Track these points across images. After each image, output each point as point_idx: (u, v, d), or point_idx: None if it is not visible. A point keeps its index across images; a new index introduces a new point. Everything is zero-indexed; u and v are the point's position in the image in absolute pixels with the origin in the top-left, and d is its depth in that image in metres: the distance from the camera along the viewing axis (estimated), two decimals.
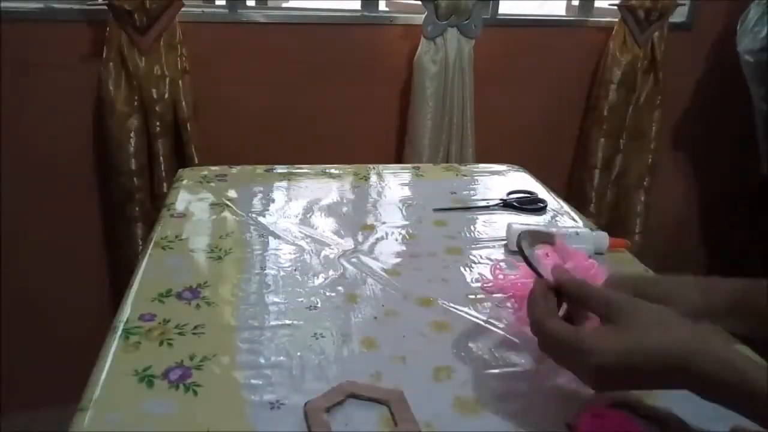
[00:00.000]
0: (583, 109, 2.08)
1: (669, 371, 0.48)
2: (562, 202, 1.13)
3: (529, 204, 1.10)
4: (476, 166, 1.32)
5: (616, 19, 1.94)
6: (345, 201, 1.09)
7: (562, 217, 1.08)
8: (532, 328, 0.57)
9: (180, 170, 1.19)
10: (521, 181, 1.23)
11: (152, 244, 0.89)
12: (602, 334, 0.52)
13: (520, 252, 0.65)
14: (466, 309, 0.77)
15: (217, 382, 0.62)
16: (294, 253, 0.89)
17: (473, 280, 0.85)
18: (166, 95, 1.61)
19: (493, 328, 0.74)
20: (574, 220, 1.07)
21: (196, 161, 1.67)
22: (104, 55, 1.55)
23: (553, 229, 0.64)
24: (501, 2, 1.89)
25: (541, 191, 1.17)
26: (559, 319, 0.56)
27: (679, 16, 2.04)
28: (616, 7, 1.91)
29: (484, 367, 0.66)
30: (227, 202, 1.04)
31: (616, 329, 0.51)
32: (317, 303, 0.77)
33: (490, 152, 1.78)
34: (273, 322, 0.72)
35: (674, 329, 0.50)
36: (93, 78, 1.60)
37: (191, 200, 1.05)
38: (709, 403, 0.49)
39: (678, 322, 0.51)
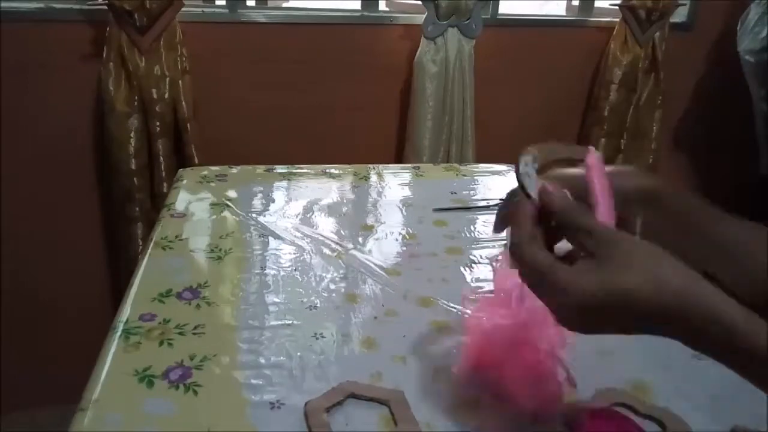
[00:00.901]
0: (583, 109, 2.07)
1: (656, 318, 0.44)
2: None
3: None
4: (476, 166, 1.32)
5: (617, 19, 1.94)
6: (345, 201, 1.09)
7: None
8: (511, 251, 0.50)
9: (180, 170, 1.19)
10: None
11: (152, 244, 0.89)
12: (582, 270, 0.45)
13: (516, 173, 0.53)
14: (466, 309, 0.77)
15: (218, 382, 0.62)
16: (294, 253, 0.89)
17: (473, 280, 0.85)
18: (166, 95, 1.61)
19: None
20: None
21: (196, 161, 1.67)
22: (104, 55, 1.55)
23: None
24: (501, 2, 1.89)
25: None
26: (539, 246, 0.49)
27: (679, 16, 2.04)
28: (616, 7, 1.91)
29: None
30: (227, 202, 1.04)
31: (599, 264, 0.45)
32: (317, 303, 0.77)
33: (490, 152, 1.78)
34: (273, 322, 0.72)
35: (666, 272, 0.44)
36: (93, 78, 1.60)
37: (191, 200, 1.05)
38: (710, 403, 0.49)
39: (668, 260, 0.45)
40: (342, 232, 0.96)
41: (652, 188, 0.54)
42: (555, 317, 0.48)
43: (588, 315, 0.45)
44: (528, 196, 0.51)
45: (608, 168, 0.55)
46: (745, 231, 0.55)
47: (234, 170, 1.19)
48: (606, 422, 0.57)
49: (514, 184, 0.53)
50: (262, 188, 1.11)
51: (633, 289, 0.43)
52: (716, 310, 0.42)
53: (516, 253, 0.49)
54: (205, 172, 1.17)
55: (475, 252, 0.93)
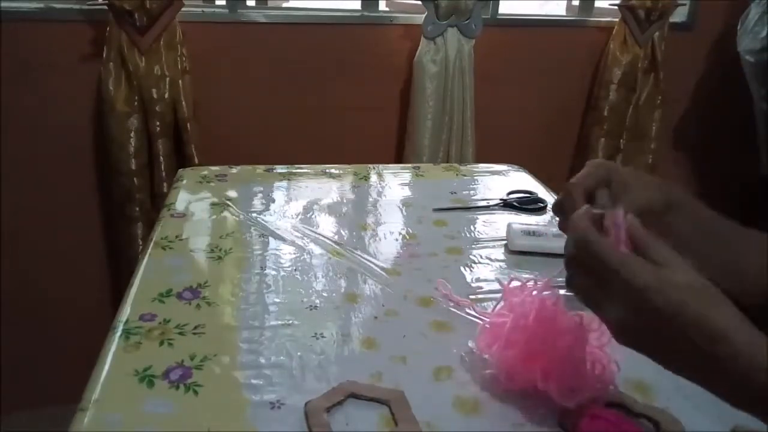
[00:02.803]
0: (583, 109, 2.07)
1: (706, 339, 0.44)
2: None
3: (529, 204, 1.10)
4: (476, 166, 1.32)
5: (617, 19, 1.94)
6: (345, 201, 1.09)
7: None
8: (578, 243, 0.51)
9: (180, 170, 1.19)
10: (521, 181, 1.23)
11: (152, 244, 0.89)
12: (656, 268, 0.47)
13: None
14: (466, 309, 0.77)
15: (218, 382, 0.62)
16: (294, 253, 0.89)
17: (473, 279, 0.85)
18: (166, 95, 1.61)
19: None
20: None
21: (196, 161, 1.67)
22: (104, 55, 1.55)
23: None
24: (501, 2, 1.89)
25: (541, 191, 1.17)
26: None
27: (679, 16, 2.04)
28: (616, 7, 1.91)
29: (484, 367, 0.66)
30: (227, 202, 1.04)
31: (669, 269, 0.47)
32: (317, 303, 0.77)
33: (490, 152, 1.78)
34: (273, 322, 0.72)
35: (722, 301, 0.46)
36: (93, 78, 1.60)
37: (191, 200, 1.05)
38: (710, 402, 0.48)
39: (723, 296, 0.47)
40: (342, 232, 0.97)
41: (675, 201, 0.59)
42: (615, 323, 0.49)
43: (647, 314, 0.46)
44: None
45: (633, 175, 0.61)
46: (757, 240, 0.59)
47: (234, 170, 1.19)
48: (603, 422, 0.57)
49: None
50: (262, 188, 1.12)
51: (701, 302, 0.45)
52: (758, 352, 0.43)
53: (588, 253, 0.50)
54: (205, 172, 1.17)
55: (475, 252, 0.93)
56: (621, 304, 0.48)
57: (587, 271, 0.50)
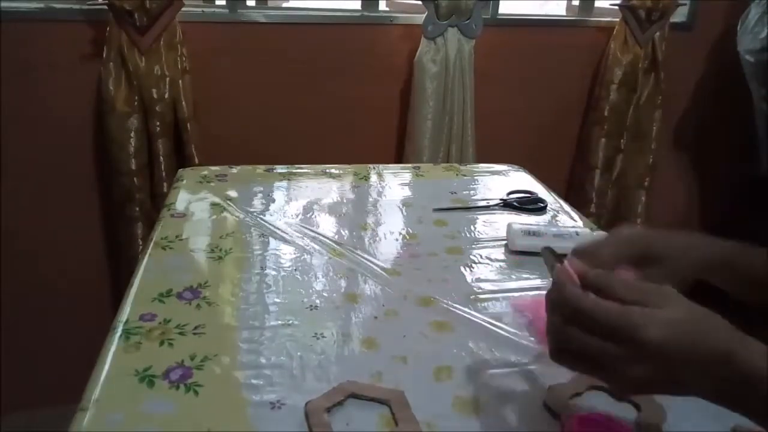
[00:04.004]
0: (583, 109, 2.07)
1: (715, 361, 0.45)
2: (562, 202, 1.13)
3: (529, 204, 1.10)
4: (476, 166, 1.32)
5: (617, 19, 1.94)
6: (345, 201, 1.09)
7: (562, 217, 1.08)
8: (568, 308, 0.48)
9: (180, 170, 1.19)
10: (521, 181, 1.23)
11: (152, 244, 0.89)
12: (652, 311, 0.46)
13: (547, 263, 0.58)
14: (466, 309, 0.77)
15: (218, 382, 0.62)
16: (294, 253, 0.89)
17: (473, 279, 0.85)
18: (166, 95, 1.61)
19: (493, 327, 0.73)
20: (574, 220, 1.07)
21: (196, 161, 1.67)
22: (104, 55, 1.55)
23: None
24: (501, 2, 1.89)
25: (541, 191, 1.17)
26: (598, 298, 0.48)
27: (679, 16, 2.04)
28: (616, 7, 1.91)
29: (485, 367, 0.66)
30: (227, 202, 1.04)
31: (662, 309, 0.46)
32: (318, 303, 0.77)
33: (490, 152, 1.78)
34: (273, 322, 0.72)
35: (719, 324, 0.47)
36: (93, 78, 1.60)
37: (191, 200, 1.05)
38: (709, 402, 0.48)
39: (716, 316, 0.47)
40: (342, 232, 0.97)
41: (726, 255, 0.59)
42: (619, 376, 0.47)
43: (658, 359, 0.45)
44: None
45: (681, 238, 0.60)
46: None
47: (234, 170, 1.19)
48: (594, 425, 0.57)
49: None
50: (262, 188, 1.12)
51: (702, 333, 0.45)
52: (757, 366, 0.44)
53: (580, 311, 0.48)
54: (205, 172, 1.17)
55: (475, 252, 0.93)
56: (628, 362, 0.46)
57: (585, 331, 0.48)
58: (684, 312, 0.47)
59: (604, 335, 0.46)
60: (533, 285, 0.84)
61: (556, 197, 1.15)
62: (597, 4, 2.03)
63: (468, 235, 0.98)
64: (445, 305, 0.78)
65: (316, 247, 0.91)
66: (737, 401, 0.46)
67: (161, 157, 1.64)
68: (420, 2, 1.74)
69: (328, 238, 0.94)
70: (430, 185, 1.20)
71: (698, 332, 0.46)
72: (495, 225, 1.02)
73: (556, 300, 0.50)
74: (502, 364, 0.67)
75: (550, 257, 0.58)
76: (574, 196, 2.08)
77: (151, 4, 1.51)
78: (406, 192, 1.15)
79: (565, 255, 0.56)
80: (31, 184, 1.68)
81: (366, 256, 0.89)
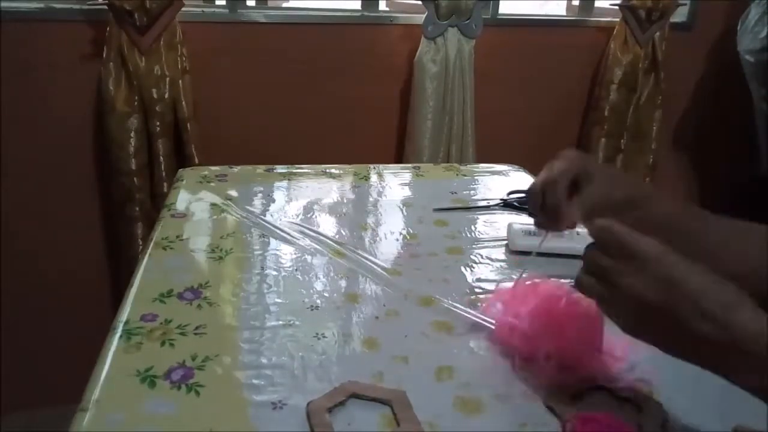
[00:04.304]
0: (583, 109, 2.08)
1: (713, 311, 0.46)
2: None
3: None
4: (476, 166, 1.32)
5: (617, 19, 1.94)
6: (345, 201, 1.09)
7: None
8: (602, 232, 0.53)
9: (180, 170, 1.19)
10: (521, 181, 1.23)
11: (152, 244, 0.89)
12: (687, 261, 0.50)
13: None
14: (467, 309, 0.77)
15: (219, 382, 0.62)
16: (295, 253, 0.89)
17: (474, 279, 0.85)
18: (166, 95, 1.61)
19: (494, 327, 0.73)
20: None
21: (196, 161, 1.67)
22: (104, 55, 1.55)
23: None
24: (501, 2, 1.89)
25: None
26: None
27: (679, 16, 2.04)
28: (616, 7, 1.91)
29: (486, 367, 0.66)
30: (228, 202, 1.03)
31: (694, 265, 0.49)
32: (318, 303, 0.77)
33: (490, 152, 1.78)
34: (274, 322, 0.72)
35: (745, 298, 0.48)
36: (93, 78, 1.60)
37: (191, 200, 1.05)
38: (712, 402, 0.48)
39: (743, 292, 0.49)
40: (342, 232, 0.96)
41: (638, 196, 0.62)
42: (631, 298, 0.50)
43: (667, 305, 0.48)
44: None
45: (599, 168, 0.66)
46: (724, 228, 0.61)
47: (234, 170, 1.19)
48: (596, 425, 0.57)
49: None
50: (262, 188, 1.11)
51: (708, 275, 0.48)
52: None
53: (604, 234, 0.53)
54: (205, 172, 1.17)
55: (475, 252, 0.93)
56: (641, 276, 0.49)
57: (611, 255, 0.52)
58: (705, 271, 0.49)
59: (626, 260, 0.51)
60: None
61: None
62: (597, 4, 2.03)
63: (468, 235, 0.98)
64: (445, 305, 0.78)
65: (317, 247, 0.91)
66: (724, 357, 0.47)
67: (161, 157, 1.64)
68: (420, 2, 1.74)
69: (328, 238, 0.94)
70: (430, 185, 1.19)
71: (704, 277, 0.48)
72: (495, 225, 1.02)
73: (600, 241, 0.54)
74: (503, 364, 0.67)
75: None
76: None
77: (151, 4, 1.51)
78: (407, 192, 1.15)
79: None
80: (31, 184, 1.68)
81: (366, 256, 0.89)
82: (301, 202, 1.06)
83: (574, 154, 0.67)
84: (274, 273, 0.83)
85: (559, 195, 0.64)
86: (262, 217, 0.99)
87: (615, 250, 0.52)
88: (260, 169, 1.20)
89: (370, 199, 1.12)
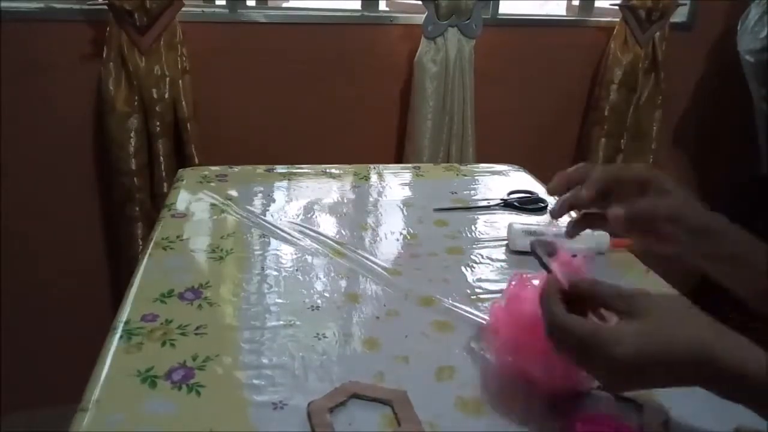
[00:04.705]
0: (583, 109, 2.08)
1: (689, 363, 0.48)
2: None
3: (529, 204, 1.10)
4: (477, 166, 1.32)
5: (617, 19, 1.94)
6: (345, 201, 1.09)
7: (562, 217, 1.07)
8: (547, 322, 0.55)
9: (180, 170, 1.19)
10: (521, 181, 1.23)
11: (153, 244, 0.89)
12: (621, 327, 0.50)
13: (537, 258, 0.63)
14: (467, 308, 0.77)
15: (220, 382, 0.62)
16: (295, 253, 0.89)
17: (474, 279, 0.85)
18: (166, 95, 1.61)
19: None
20: None
21: (196, 161, 1.67)
22: (104, 55, 1.55)
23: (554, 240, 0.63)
24: (501, 2, 1.89)
25: (541, 191, 1.17)
26: (574, 315, 0.54)
27: (679, 16, 2.04)
28: (616, 7, 1.92)
29: (487, 367, 0.66)
30: (228, 202, 1.03)
31: (635, 321, 0.50)
32: (319, 303, 0.77)
33: (491, 152, 1.78)
34: (275, 323, 0.72)
35: (693, 321, 0.50)
36: (93, 78, 1.60)
37: (192, 200, 1.05)
38: (713, 402, 0.49)
39: (695, 314, 0.51)
40: (343, 232, 0.96)
41: (678, 208, 0.61)
42: (600, 376, 0.52)
43: (633, 370, 0.49)
44: (548, 270, 0.59)
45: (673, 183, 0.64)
46: (752, 243, 0.60)
47: (234, 170, 1.19)
48: (597, 426, 0.57)
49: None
50: (262, 188, 1.11)
51: (673, 341, 0.48)
52: (749, 351, 0.47)
53: (554, 323, 0.53)
54: (205, 172, 1.16)
55: (476, 252, 0.93)
56: (607, 371, 0.50)
57: (564, 344, 0.53)
58: (657, 320, 0.50)
59: (579, 350, 0.51)
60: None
61: (556, 197, 1.15)
62: (597, 4, 2.03)
63: (469, 235, 0.98)
64: (446, 305, 0.78)
65: (317, 247, 0.91)
66: (725, 394, 0.49)
67: (161, 157, 1.64)
68: (420, 2, 1.74)
69: (328, 238, 0.94)
70: (430, 185, 1.19)
71: (671, 340, 0.48)
72: (496, 225, 1.02)
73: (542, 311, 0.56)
74: (504, 364, 0.67)
75: (541, 250, 0.63)
76: None
77: (151, 4, 1.51)
78: (407, 192, 1.15)
79: (554, 245, 0.62)
80: (31, 184, 1.68)
81: (367, 256, 0.89)
82: (302, 202, 1.06)
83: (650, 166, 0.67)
84: (275, 273, 0.83)
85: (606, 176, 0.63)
86: (262, 217, 0.99)
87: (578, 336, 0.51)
88: (260, 169, 1.20)
89: (370, 199, 1.12)
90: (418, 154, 1.82)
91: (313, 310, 0.76)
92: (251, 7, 1.77)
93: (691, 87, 2.17)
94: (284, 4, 1.96)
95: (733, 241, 0.60)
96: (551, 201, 1.13)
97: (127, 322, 0.70)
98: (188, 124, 1.65)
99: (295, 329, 0.71)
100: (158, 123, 1.61)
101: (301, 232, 0.95)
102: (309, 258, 0.88)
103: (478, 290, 0.82)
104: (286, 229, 0.96)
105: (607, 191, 0.64)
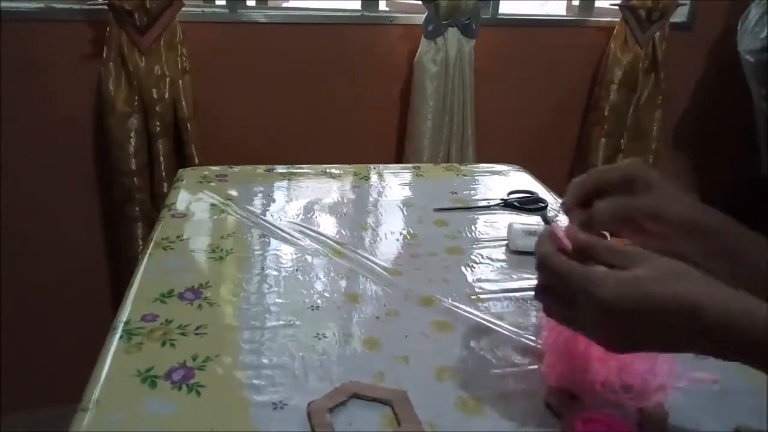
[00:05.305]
0: (583, 109, 2.08)
1: (675, 314, 0.47)
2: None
3: (529, 204, 1.10)
4: (477, 165, 1.32)
5: (617, 19, 1.94)
6: (345, 201, 1.09)
7: (562, 217, 1.07)
8: (539, 264, 0.54)
9: (180, 170, 1.19)
10: (521, 181, 1.23)
11: (153, 244, 0.89)
12: (610, 272, 0.49)
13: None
14: (467, 308, 0.77)
15: (220, 382, 0.62)
16: (295, 253, 0.89)
17: (474, 279, 0.85)
18: (166, 95, 1.61)
19: (495, 327, 0.73)
20: None
21: (196, 161, 1.67)
22: (104, 55, 1.55)
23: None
24: (501, 2, 1.89)
25: (541, 191, 1.17)
26: (564, 257, 0.53)
27: (679, 16, 2.04)
28: (616, 7, 1.92)
29: (487, 367, 0.66)
30: (228, 202, 1.03)
31: (631, 271, 0.49)
32: (319, 303, 0.77)
33: (490, 152, 1.78)
34: (275, 323, 0.72)
35: (685, 276, 0.49)
36: (93, 78, 1.60)
37: (191, 200, 1.05)
38: (713, 402, 0.49)
39: (689, 271, 0.49)
40: (343, 232, 0.96)
41: (657, 204, 0.59)
42: (590, 325, 0.51)
43: (620, 317, 0.48)
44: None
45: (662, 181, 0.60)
46: (750, 239, 0.59)
47: (234, 170, 1.19)
48: (596, 425, 0.57)
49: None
50: (262, 188, 1.11)
51: (658, 291, 0.47)
52: (744, 304, 0.45)
53: (544, 264, 0.53)
54: (205, 172, 1.16)
55: (476, 252, 0.93)
56: (594, 319, 0.50)
57: (554, 293, 0.52)
58: (649, 269, 0.48)
59: (569, 292, 0.50)
60: (534, 285, 0.84)
61: (556, 197, 1.15)
62: (597, 4, 2.03)
63: (469, 235, 0.98)
64: (446, 305, 0.78)
65: (317, 247, 0.91)
66: (718, 353, 0.47)
67: (161, 157, 1.64)
68: (420, 2, 1.74)
69: (328, 238, 0.94)
70: (430, 185, 1.19)
71: (659, 287, 0.47)
72: (496, 225, 1.02)
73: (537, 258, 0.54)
74: (504, 364, 0.67)
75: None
76: None
77: (151, 4, 1.51)
78: (407, 192, 1.15)
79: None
80: (31, 184, 1.68)
81: (367, 256, 0.89)
82: (302, 202, 1.06)
83: (638, 160, 0.63)
84: (275, 273, 0.83)
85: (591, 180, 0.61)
86: (262, 217, 0.99)
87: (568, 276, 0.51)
88: (260, 169, 1.20)
89: (370, 199, 1.12)
90: (418, 154, 1.82)
91: (313, 310, 0.76)
92: (251, 7, 1.77)
93: (691, 87, 2.17)
94: (284, 4, 1.96)
95: (728, 238, 0.59)
96: (551, 201, 1.13)
97: (127, 322, 0.70)
98: (188, 124, 1.65)
99: (295, 329, 0.71)
100: (158, 123, 1.61)
101: (301, 232, 0.95)
102: (309, 258, 0.88)
103: (478, 290, 0.82)
104: (286, 229, 0.96)
105: (599, 195, 0.62)
